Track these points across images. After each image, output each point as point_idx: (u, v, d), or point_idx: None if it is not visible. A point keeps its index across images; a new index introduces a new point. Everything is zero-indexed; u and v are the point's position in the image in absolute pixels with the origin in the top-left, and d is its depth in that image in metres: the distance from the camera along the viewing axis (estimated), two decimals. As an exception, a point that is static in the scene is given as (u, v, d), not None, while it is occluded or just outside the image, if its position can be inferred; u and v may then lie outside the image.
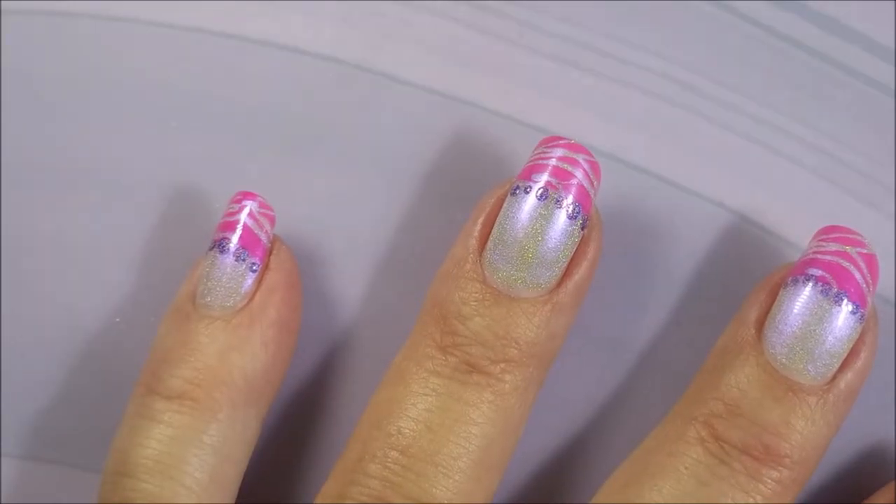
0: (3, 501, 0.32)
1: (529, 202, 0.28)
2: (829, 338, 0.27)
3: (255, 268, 0.30)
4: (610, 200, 0.31)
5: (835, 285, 0.27)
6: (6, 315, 0.32)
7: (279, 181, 0.32)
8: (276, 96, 0.32)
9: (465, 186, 0.32)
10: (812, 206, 0.31)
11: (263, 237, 0.30)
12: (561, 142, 0.28)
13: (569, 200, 0.28)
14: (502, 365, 0.28)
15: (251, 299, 0.30)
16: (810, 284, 0.27)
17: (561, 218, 0.28)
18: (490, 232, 0.28)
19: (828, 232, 0.28)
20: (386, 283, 0.32)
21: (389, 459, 0.28)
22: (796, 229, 0.31)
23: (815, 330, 0.27)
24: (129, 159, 0.32)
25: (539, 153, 0.28)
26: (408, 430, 0.28)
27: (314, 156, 0.32)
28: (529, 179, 0.28)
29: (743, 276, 0.31)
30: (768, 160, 0.31)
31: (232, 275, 0.29)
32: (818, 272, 0.27)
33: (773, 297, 0.28)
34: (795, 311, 0.27)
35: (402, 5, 0.32)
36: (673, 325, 0.31)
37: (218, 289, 0.29)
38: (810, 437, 0.27)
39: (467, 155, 0.32)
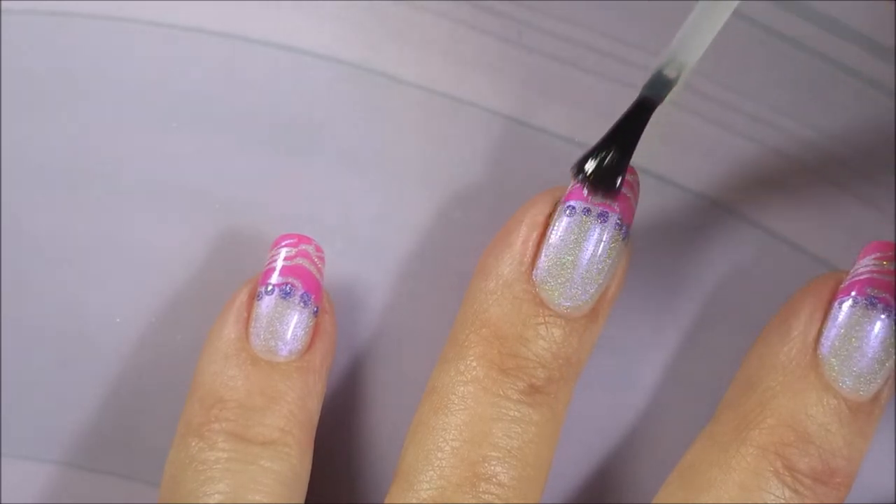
0: (2, 501, 0.32)
1: (587, 223, 0.28)
2: (888, 359, 0.27)
3: (316, 312, 0.30)
4: (610, 200, 0.31)
5: (895, 307, 0.27)
6: (6, 315, 0.32)
7: (279, 181, 0.32)
8: (276, 96, 0.32)
9: (466, 187, 0.32)
10: (812, 206, 0.31)
11: (321, 281, 0.30)
12: None
13: (620, 218, 0.28)
14: (557, 384, 0.28)
15: (313, 344, 0.30)
16: (873, 307, 0.27)
17: (615, 236, 0.28)
18: (538, 251, 0.28)
19: (884, 249, 0.28)
20: (386, 282, 0.32)
21: (480, 490, 0.28)
22: (796, 229, 0.31)
23: (879, 354, 0.27)
24: (129, 159, 0.32)
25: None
26: (493, 458, 0.28)
27: (314, 156, 0.32)
28: (585, 200, 0.28)
29: (743, 276, 0.31)
30: (768, 160, 0.31)
31: (300, 320, 0.29)
32: (881, 294, 0.27)
33: (824, 312, 0.28)
34: (859, 335, 0.27)
35: (402, 5, 0.32)
36: (672, 324, 0.31)
37: (288, 335, 0.29)
38: (862, 452, 0.28)
39: (467, 155, 0.32)
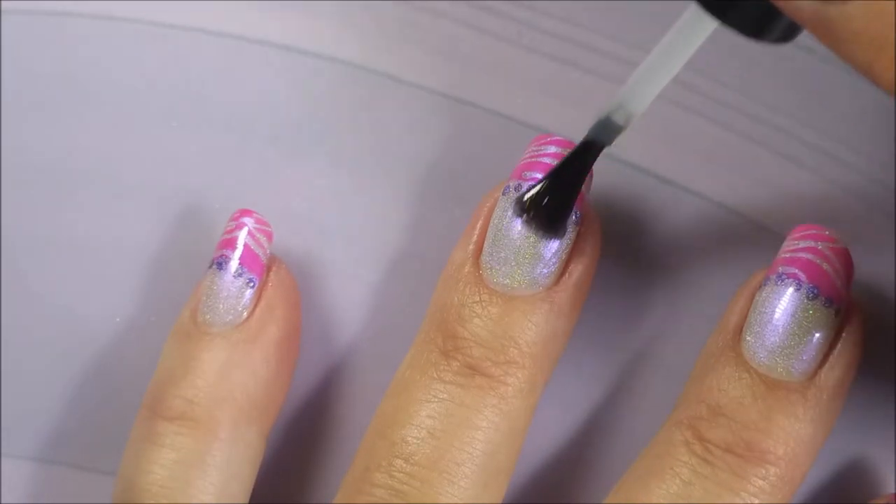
0: (3, 501, 0.32)
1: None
2: (805, 334, 0.27)
3: (252, 283, 0.29)
4: (609, 200, 0.31)
5: (805, 281, 0.27)
6: (6, 315, 0.32)
7: (279, 181, 0.32)
8: (276, 96, 0.32)
9: (465, 186, 0.32)
10: (812, 206, 0.31)
11: (260, 253, 0.30)
12: (552, 139, 0.28)
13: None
14: (504, 367, 0.28)
15: (251, 315, 0.29)
16: (781, 283, 0.27)
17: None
18: (484, 234, 0.28)
19: (799, 231, 0.28)
20: (386, 282, 0.32)
21: (394, 468, 0.27)
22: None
23: (790, 327, 0.27)
24: (129, 159, 0.32)
25: (531, 151, 0.28)
26: (411, 438, 0.28)
27: (314, 156, 0.32)
28: (521, 178, 0.28)
29: (743, 275, 0.31)
30: (768, 160, 0.31)
31: (230, 291, 0.29)
32: (789, 269, 0.27)
33: (750, 300, 0.28)
34: (769, 310, 0.27)
35: (403, 5, 0.32)
36: (673, 325, 0.31)
37: (217, 305, 0.29)
38: (795, 434, 0.27)
39: (467, 155, 0.32)
